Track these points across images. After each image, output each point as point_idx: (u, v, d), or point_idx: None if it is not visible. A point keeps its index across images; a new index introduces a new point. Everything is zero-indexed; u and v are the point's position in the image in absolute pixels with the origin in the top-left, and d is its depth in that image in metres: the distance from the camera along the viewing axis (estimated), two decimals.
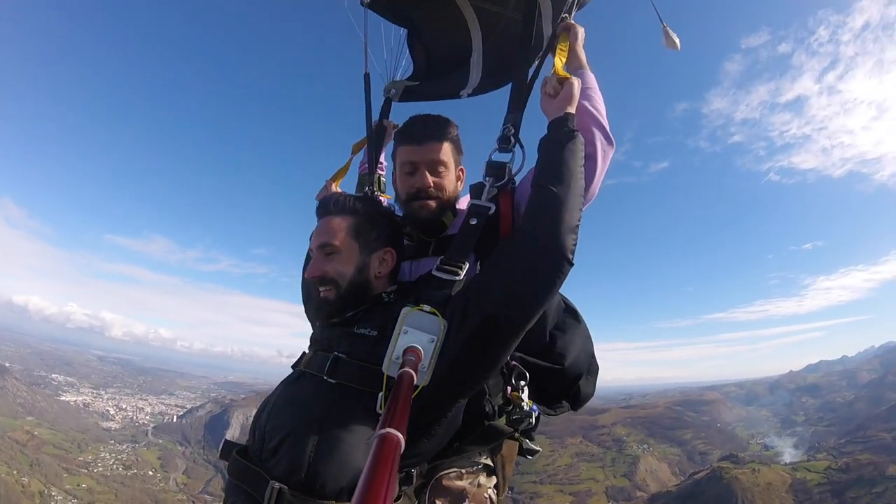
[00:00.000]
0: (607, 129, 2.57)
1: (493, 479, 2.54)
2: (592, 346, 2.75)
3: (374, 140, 3.58)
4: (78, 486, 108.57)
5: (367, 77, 3.59)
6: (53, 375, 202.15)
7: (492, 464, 2.55)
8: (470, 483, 2.43)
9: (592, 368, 2.71)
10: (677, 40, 3.47)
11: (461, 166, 2.89)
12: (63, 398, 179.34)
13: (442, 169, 2.71)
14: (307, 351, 2.33)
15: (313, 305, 2.59)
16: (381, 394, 1.91)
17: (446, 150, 2.72)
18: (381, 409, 1.92)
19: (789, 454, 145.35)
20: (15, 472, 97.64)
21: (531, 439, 2.67)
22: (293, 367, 2.31)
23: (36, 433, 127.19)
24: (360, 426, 1.90)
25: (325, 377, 2.02)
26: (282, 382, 2.23)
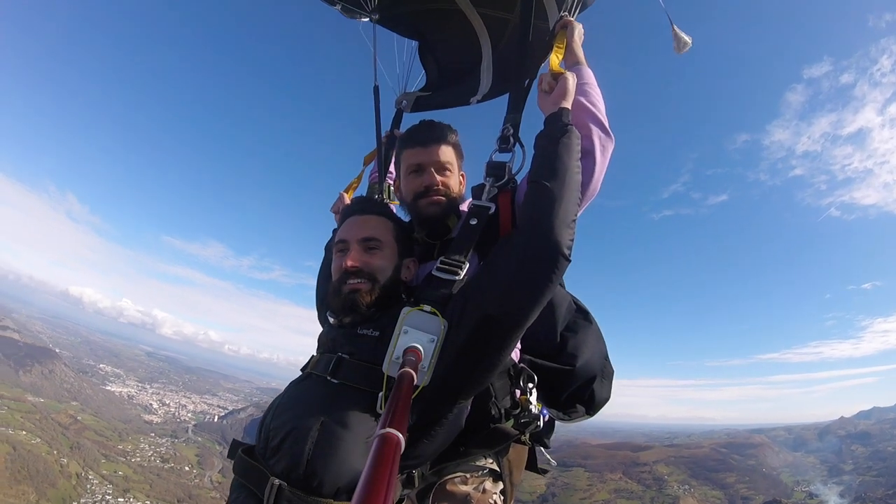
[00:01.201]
0: (605, 123, 2.57)
1: (500, 485, 2.48)
2: (606, 347, 2.72)
3: (383, 150, 3.70)
4: (115, 472, 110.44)
5: (376, 90, 3.76)
6: (101, 366, 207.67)
7: (498, 468, 2.49)
8: (475, 488, 2.38)
9: (607, 371, 2.67)
10: (689, 40, 3.38)
11: (462, 171, 2.94)
12: (108, 388, 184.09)
13: (447, 170, 2.79)
14: (315, 353, 2.35)
15: (339, 300, 2.42)
16: (381, 394, 1.93)
17: (450, 153, 2.81)
18: (381, 409, 1.93)
19: (834, 502, 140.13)
20: (55, 452, 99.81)
21: (546, 446, 2.69)
22: (302, 369, 2.32)
23: (79, 418, 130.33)
24: (361, 426, 1.90)
25: (328, 377, 2.04)
26: (290, 384, 2.26)
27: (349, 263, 2.31)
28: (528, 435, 2.43)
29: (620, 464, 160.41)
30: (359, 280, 2.28)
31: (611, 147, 2.55)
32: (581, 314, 2.69)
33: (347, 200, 3.54)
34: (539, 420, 2.37)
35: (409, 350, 1.85)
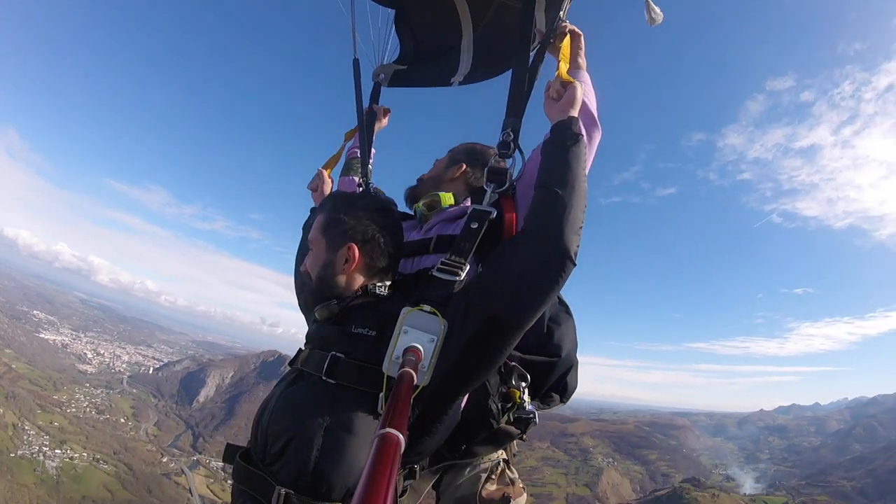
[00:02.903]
0: (595, 115, 2.69)
1: (514, 470, 2.75)
2: (576, 339, 2.89)
3: (364, 127, 3.65)
4: (51, 423, 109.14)
5: (356, 63, 3.65)
6: (35, 312, 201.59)
7: (506, 456, 2.76)
8: (503, 483, 2.63)
9: (576, 361, 2.85)
10: (661, 12, 3.37)
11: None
12: (42, 336, 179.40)
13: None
14: (303, 348, 2.31)
15: (300, 295, 2.76)
16: (381, 394, 1.93)
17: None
18: (381, 409, 1.93)
19: (749, 486, 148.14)
20: None
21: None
22: (290, 364, 2.31)
23: (14, 366, 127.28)
24: (364, 428, 1.90)
25: (323, 377, 2.01)
26: (280, 381, 2.24)
27: (300, 268, 2.53)
28: (526, 432, 2.55)
29: (548, 433, 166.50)
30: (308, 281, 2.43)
31: (598, 136, 2.68)
32: (563, 307, 2.86)
33: (326, 177, 3.52)
34: (535, 415, 2.49)
35: (409, 350, 1.85)
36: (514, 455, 2.85)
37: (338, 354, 2.04)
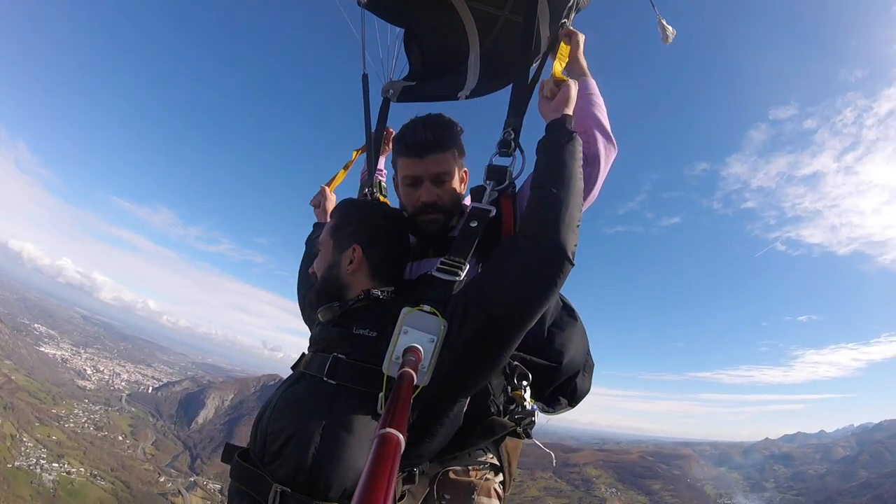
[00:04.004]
0: (609, 131, 2.64)
1: (500, 476, 2.60)
2: (588, 342, 2.79)
3: (373, 147, 3.69)
4: (48, 436, 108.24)
5: (365, 78, 3.78)
6: (36, 325, 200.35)
7: (498, 462, 2.59)
8: (477, 477, 2.51)
9: (588, 365, 2.75)
10: (673, 32, 3.56)
11: (464, 168, 2.85)
12: (42, 349, 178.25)
13: (446, 179, 2.70)
14: (306, 352, 2.31)
15: (304, 305, 2.74)
16: (381, 394, 1.92)
17: (448, 160, 2.70)
18: (381, 409, 1.93)
19: None
20: None
21: (529, 437, 2.59)
22: (293, 367, 2.30)
23: (13, 378, 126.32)
24: (363, 428, 1.90)
25: (325, 378, 2.01)
26: (282, 384, 2.23)
27: (309, 270, 2.64)
28: (523, 428, 2.48)
29: (550, 463, 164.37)
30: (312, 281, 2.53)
31: (614, 154, 2.66)
32: (567, 311, 2.78)
33: (329, 195, 3.63)
34: (534, 415, 2.44)
35: (409, 350, 1.85)
36: (513, 480, 2.75)
37: (339, 356, 2.05)
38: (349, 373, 2.01)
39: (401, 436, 0.95)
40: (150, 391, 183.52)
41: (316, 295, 2.43)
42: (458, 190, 2.76)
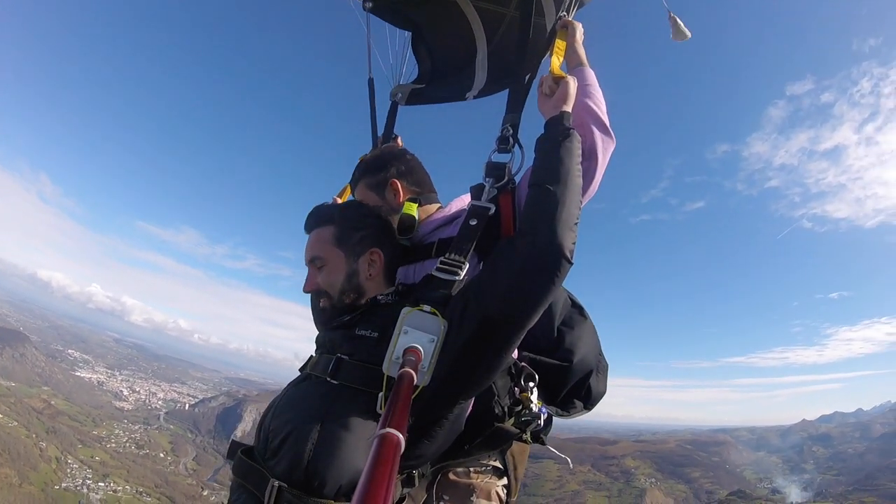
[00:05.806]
0: (607, 124, 2.57)
1: (504, 480, 2.56)
2: (599, 342, 2.80)
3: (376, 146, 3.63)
4: (92, 457, 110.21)
5: (370, 82, 3.79)
6: (70, 351, 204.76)
7: (501, 466, 2.55)
8: (478, 480, 2.48)
9: (602, 366, 2.75)
10: (687, 32, 3.54)
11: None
12: (78, 374, 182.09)
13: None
14: (314, 354, 2.34)
15: (316, 314, 2.75)
16: (381, 394, 1.92)
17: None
18: (381, 409, 1.93)
19: (796, 496, 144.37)
20: (34, 436, 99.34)
21: (542, 443, 2.57)
22: (300, 369, 2.34)
23: (52, 403, 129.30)
24: (361, 426, 1.90)
25: (327, 378, 2.03)
26: (289, 384, 2.27)
27: (304, 289, 2.49)
28: (528, 433, 2.44)
29: (589, 457, 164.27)
30: (322, 298, 2.41)
31: (612, 148, 2.58)
32: (576, 309, 2.77)
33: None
34: (539, 419, 2.40)
35: (409, 350, 1.85)
36: (519, 485, 2.65)
37: (342, 356, 2.07)
38: (351, 373, 2.02)
39: (401, 436, 0.95)
40: (186, 408, 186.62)
41: (334, 310, 2.38)
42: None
